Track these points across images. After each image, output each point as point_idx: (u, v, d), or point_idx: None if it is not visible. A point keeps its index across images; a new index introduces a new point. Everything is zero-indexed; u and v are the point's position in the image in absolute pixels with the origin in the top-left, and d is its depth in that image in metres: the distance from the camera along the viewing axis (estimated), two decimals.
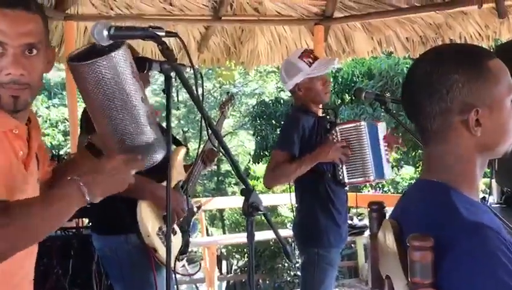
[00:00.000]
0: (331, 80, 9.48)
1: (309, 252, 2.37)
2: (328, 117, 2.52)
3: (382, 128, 2.45)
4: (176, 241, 2.08)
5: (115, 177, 1.16)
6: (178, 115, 12.60)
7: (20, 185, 1.19)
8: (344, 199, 2.45)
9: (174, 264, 1.90)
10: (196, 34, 4.51)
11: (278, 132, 12.21)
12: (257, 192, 1.34)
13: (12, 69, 1.13)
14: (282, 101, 11.95)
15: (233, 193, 12.53)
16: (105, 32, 1.27)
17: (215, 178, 13.12)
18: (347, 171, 2.35)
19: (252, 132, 12.55)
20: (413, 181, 9.00)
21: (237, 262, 8.36)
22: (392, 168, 2.55)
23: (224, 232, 9.97)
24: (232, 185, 13.28)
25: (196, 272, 2.74)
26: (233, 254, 7.85)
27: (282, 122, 11.46)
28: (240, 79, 13.15)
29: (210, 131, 2.27)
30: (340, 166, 2.35)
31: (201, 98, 1.39)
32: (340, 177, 2.36)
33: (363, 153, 2.34)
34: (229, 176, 13.39)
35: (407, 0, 4.17)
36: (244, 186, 1.36)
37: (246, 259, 7.58)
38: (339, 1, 4.33)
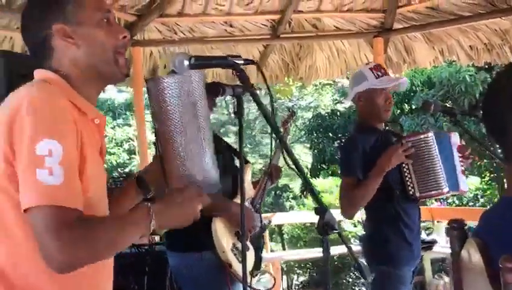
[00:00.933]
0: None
1: (379, 270, 2.29)
2: (393, 130, 2.47)
3: (455, 138, 2.36)
4: (250, 257, 2.13)
5: (184, 211, 1.16)
6: (235, 131, 12.79)
7: (102, 179, 1.19)
8: (416, 215, 2.37)
9: (250, 279, 1.95)
10: (255, 53, 4.60)
11: (336, 145, 11.96)
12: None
13: (126, 33, 1.21)
14: (338, 113, 11.87)
15: (291, 207, 12.49)
16: (186, 62, 1.35)
17: (273, 193, 13.16)
18: (418, 185, 2.28)
19: (308, 146, 12.51)
20: (478, 192, 8.64)
21: (297, 277, 8.31)
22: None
23: (283, 247, 9.95)
24: (290, 199, 13.25)
25: (272, 287, 2.77)
26: (295, 269, 7.82)
27: (339, 135, 11.39)
28: (296, 92, 13.20)
29: (277, 150, 2.31)
30: (409, 181, 2.29)
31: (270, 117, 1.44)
32: (411, 193, 2.29)
33: (434, 164, 2.26)
34: (286, 191, 13.38)
35: (470, 7, 4.06)
36: (318, 205, 1.39)
37: (307, 274, 7.52)
38: (398, 12, 4.29)
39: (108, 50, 1.18)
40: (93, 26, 1.17)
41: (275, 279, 3.21)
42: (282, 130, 2.63)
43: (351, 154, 2.31)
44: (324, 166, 11.25)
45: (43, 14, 1.17)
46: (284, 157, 1.44)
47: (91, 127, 1.18)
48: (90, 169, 1.10)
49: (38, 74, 1.18)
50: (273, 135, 1.55)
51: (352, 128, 2.63)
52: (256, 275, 2.18)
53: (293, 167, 1.40)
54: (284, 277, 8.08)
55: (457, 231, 1.28)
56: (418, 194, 2.28)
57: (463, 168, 2.35)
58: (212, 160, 1.29)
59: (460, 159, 2.35)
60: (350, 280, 5.31)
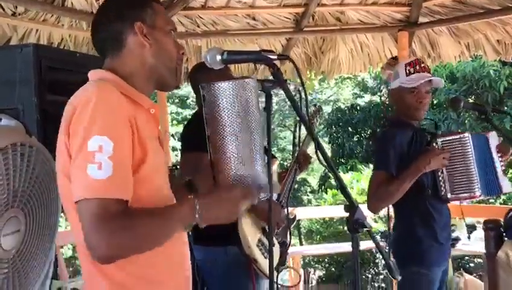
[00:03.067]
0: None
1: (409, 271, 2.22)
2: (427, 129, 2.41)
3: (494, 138, 2.29)
4: (275, 253, 2.13)
5: (228, 207, 1.19)
6: None
7: (163, 166, 1.26)
8: (447, 215, 2.32)
9: (276, 275, 1.94)
10: (278, 46, 4.56)
11: (355, 139, 11.84)
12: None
13: (184, 49, 1.35)
14: (358, 107, 11.76)
15: (309, 202, 12.45)
16: (219, 57, 1.34)
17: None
18: (450, 186, 2.22)
19: (326, 140, 12.44)
20: None
21: (314, 271, 8.31)
22: None
23: (300, 242, 9.96)
24: (308, 193, 13.22)
25: (298, 283, 2.76)
26: (312, 263, 7.82)
27: (359, 129, 11.26)
28: (315, 86, 13.13)
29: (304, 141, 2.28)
30: (442, 181, 2.23)
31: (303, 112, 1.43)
32: (442, 193, 2.24)
33: (468, 166, 2.19)
34: (304, 185, 13.34)
35: (499, 1, 3.96)
36: (348, 202, 1.37)
37: (325, 269, 7.51)
38: (423, 6, 4.21)
39: (173, 59, 1.30)
40: (165, 34, 1.29)
41: (300, 275, 3.20)
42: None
43: (387, 148, 2.24)
44: (343, 161, 11.17)
45: (123, 11, 1.26)
46: (316, 154, 1.43)
47: (147, 117, 1.24)
48: (152, 159, 1.17)
49: (95, 74, 1.25)
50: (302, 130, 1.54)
51: (388, 123, 2.58)
52: (281, 270, 2.18)
53: (324, 162, 1.39)
54: (302, 270, 8.10)
55: (493, 232, 1.26)
56: (449, 195, 2.23)
57: (503, 168, 2.27)
58: (263, 165, 1.30)
59: (500, 159, 2.27)
60: (370, 276, 5.28)
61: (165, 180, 1.27)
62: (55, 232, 1.48)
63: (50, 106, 1.97)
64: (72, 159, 1.10)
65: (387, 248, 2.48)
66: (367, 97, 12.72)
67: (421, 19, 4.31)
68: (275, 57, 1.29)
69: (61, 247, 5.42)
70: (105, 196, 1.06)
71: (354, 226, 1.34)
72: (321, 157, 1.40)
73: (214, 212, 1.17)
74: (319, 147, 1.38)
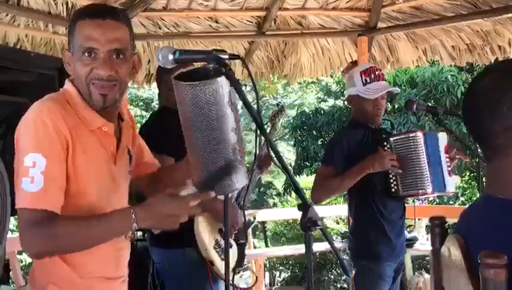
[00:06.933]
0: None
1: (359, 265, 2.35)
2: (384, 129, 2.50)
3: (443, 138, 2.37)
4: (232, 254, 2.13)
5: (166, 216, 1.27)
6: None
7: (108, 181, 1.34)
8: (399, 212, 2.40)
9: (232, 277, 1.94)
10: (240, 49, 4.58)
11: (319, 143, 12.00)
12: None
13: (101, 70, 1.29)
14: (322, 111, 11.92)
15: (275, 205, 12.52)
16: (171, 56, 1.34)
17: (257, 189, 13.17)
18: (402, 183, 2.30)
19: (292, 143, 12.54)
20: (458, 191, 8.76)
21: (279, 274, 8.35)
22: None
23: (266, 244, 9.98)
24: (273, 196, 13.28)
25: (254, 284, 2.77)
26: (277, 265, 7.85)
27: (323, 133, 11.42)
28: (280, 90, 13.22)
29: (265, 143, 2.31)
30: (393, 178, 2.31)
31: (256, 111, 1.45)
32: (393, 190, 2.31)
33: (420, 164, 2.28)
34: (270, 187, 13.41)
35: (453, 8, 4.11)
36: (301, 201, 1.39)
37: (290, 271, 7.55)
38: (382, 12, 4.32)
39: (83, 81, 1.32)
40: (77, 59, 1.31)
41: (256, 277, 3.21)
42: (270, 125, 2.63)
43: (334, 146, 2.41)
44: (307, 163, 11.28)
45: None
46: (269, 153, 1.44)
47: (96, 134, 1.34)
48: (87, 173, 1.29)
49: (66, 83, 1.38)
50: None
51: (345, 125, 2.71)
52: (239, 272, 2.19)
53: (278, 162, 1.41)
54: (267, 273, 8.12)
55: (438, 228, 1.30)
56: (400, 193, 2.31)
57: (449, 169, 2.36)
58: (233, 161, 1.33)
59: (447, 159, 2.36)
60: (332, 276, 5.34)
61: (110, 190, 1.37)
62: (2, 234, 1.46)
63: None
64: (15, 171, 1.25)
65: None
66: (331, 101, 12.92)
67: (380, 24, 4.41)
68: (226, 56, 1.29)
69: (20, 253, 5.25)
70: (34, 207, 1.21)
71: (307, 224, 1.36)
72: (274, 157, 1.42)
73: (150, 223, 1.27)
74: (271, 147, 1.40)
